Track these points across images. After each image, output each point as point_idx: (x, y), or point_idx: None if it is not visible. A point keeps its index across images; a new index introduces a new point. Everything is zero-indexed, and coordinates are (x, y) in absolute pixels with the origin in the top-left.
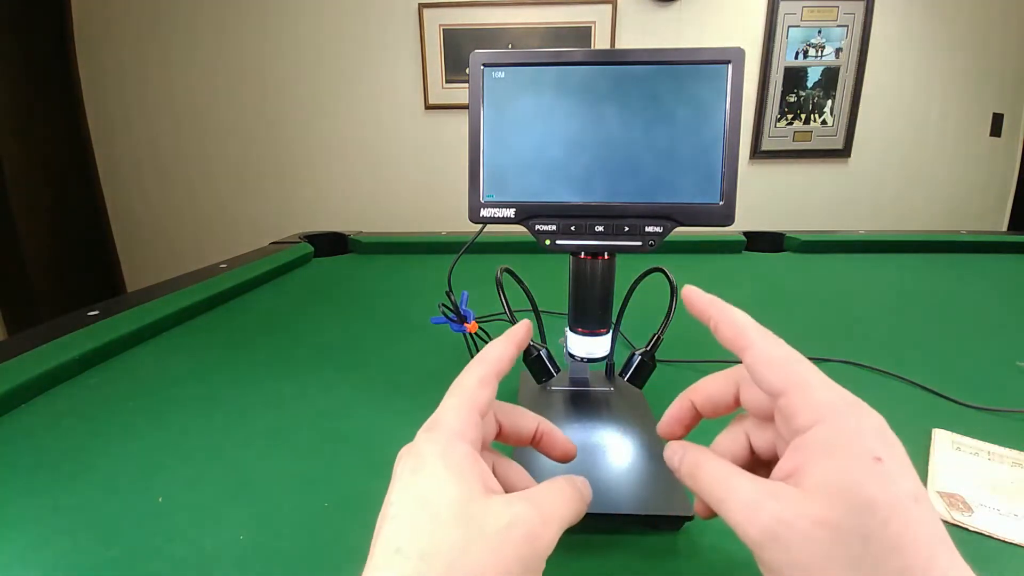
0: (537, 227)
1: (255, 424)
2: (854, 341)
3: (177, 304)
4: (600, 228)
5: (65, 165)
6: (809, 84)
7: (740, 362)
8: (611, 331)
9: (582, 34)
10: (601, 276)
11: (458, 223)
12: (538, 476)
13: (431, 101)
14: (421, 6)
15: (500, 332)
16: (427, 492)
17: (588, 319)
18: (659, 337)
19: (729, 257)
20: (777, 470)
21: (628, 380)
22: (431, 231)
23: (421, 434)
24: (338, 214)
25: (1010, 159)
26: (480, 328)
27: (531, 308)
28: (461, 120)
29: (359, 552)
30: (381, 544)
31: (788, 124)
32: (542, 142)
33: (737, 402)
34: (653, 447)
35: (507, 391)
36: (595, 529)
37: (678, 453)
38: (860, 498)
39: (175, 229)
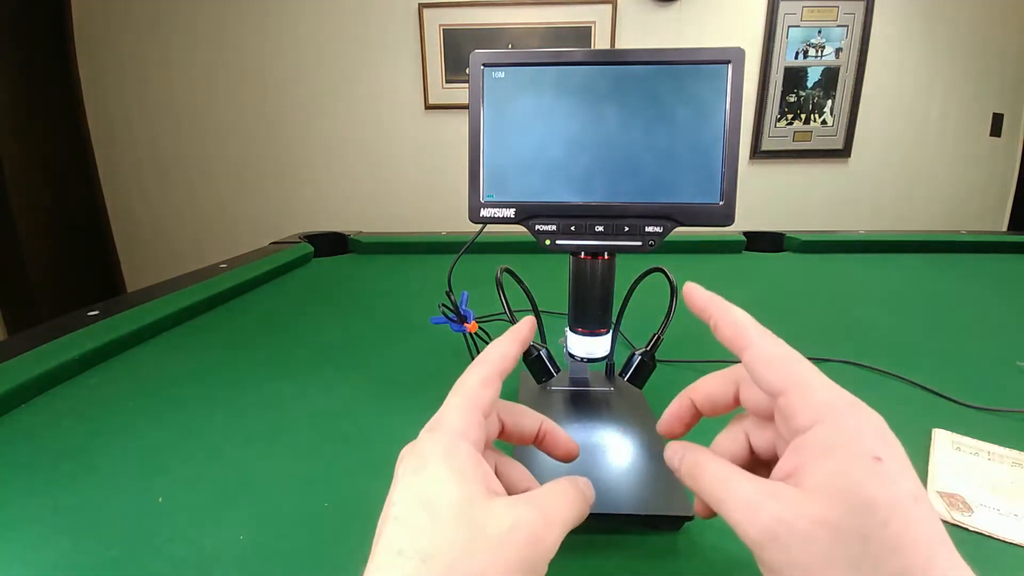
0: (537, 227)
1: (255, 424)
2: (854, 341)
3: (177, 304)
4: (600, 228)
5: (65, 165)
6: (809, 84)
7: (740, 361)
8: (611, 331)
9: (582, 34)
10: (601, 276)
11: (458, 223)
12: (539, 475)
13: (431, 101)
14: (421, 6)
15: (500, 332)
16: (429, 493)
17: (588, 319)
18: (659, 337)
19: (729, 257)
20: (777, 470)
21: (628, 380)
22: (431, 231)
23: (424, 434)
24: (338, 214)
25: (1010, 159)
26: (480, 328)
27: (531, 308)
28: (461, 120)
29: (359, 552)
30: (383, 545)
31: (788, 124)
32: (542, 142)
33: (737, 401)
34: (653, 447)
35: (507, 391)
36: (595, 529)
37: (678, 453)
38: (860, 498)
39: (175, 229)
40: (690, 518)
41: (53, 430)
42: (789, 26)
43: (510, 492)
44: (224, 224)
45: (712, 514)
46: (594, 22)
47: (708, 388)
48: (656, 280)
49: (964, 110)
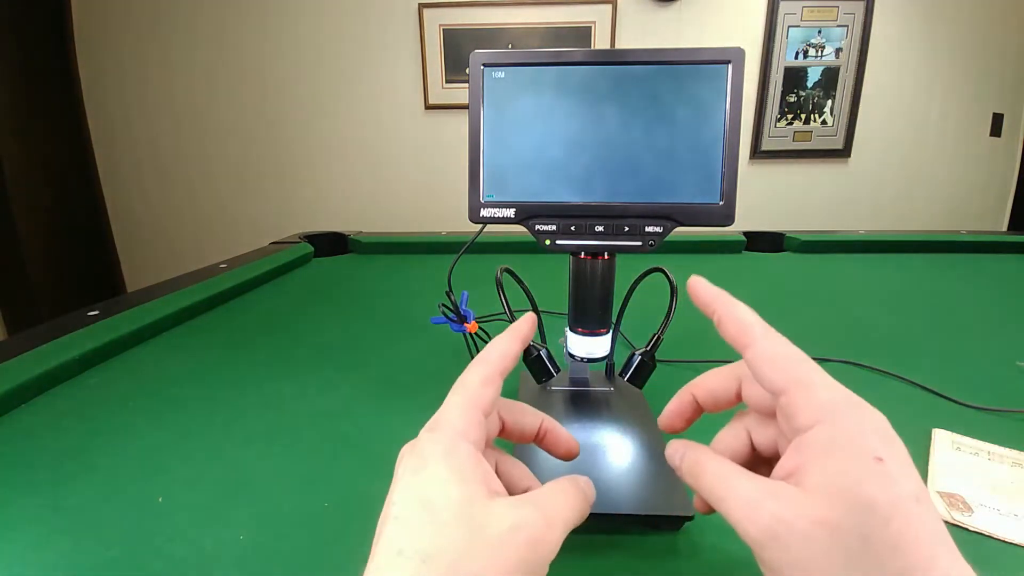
0: (537, 227)
1: (255, 424)
2: (854, 341)
3: (177, 304)
4: (600, 228)
5: (65, 165)
6: (809, 84)
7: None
8: (611, 331)
9: (582, 34)
10: (601, 276)
11: (458, 223)
12: (540, 474)
13: (431, 101)
14: (421, 6)
15: (500, 332)
16: (430, 493)
17: (588, 319)
18: (659, 337)
19: (729, 257)
20: (778, 469)
21: (628, 380)
22: (431, 231)
23: (424, 433)
24: (338, 214)
25: (1010, 159)
26: (480, 328)
27: (531, 308)
28: (461, 120)
29: (359, 552)
30: (383, 545)
31: (788, 124)
32: (542, 142)
33: (739, 397)
34: (653, 447)
35: (507, 391)
36: (595, 529)
37: (679, 452)
38: (861, 499)
39: (175, 229)
40: (690, 518)
41: (53, 430)
42: (789, 26)
43: (511, 491)
44: (224, 224)
45: (711, 510)
46: (594, 22)
47: (710, 384)
48: (656, 280)
49: (964, 110)
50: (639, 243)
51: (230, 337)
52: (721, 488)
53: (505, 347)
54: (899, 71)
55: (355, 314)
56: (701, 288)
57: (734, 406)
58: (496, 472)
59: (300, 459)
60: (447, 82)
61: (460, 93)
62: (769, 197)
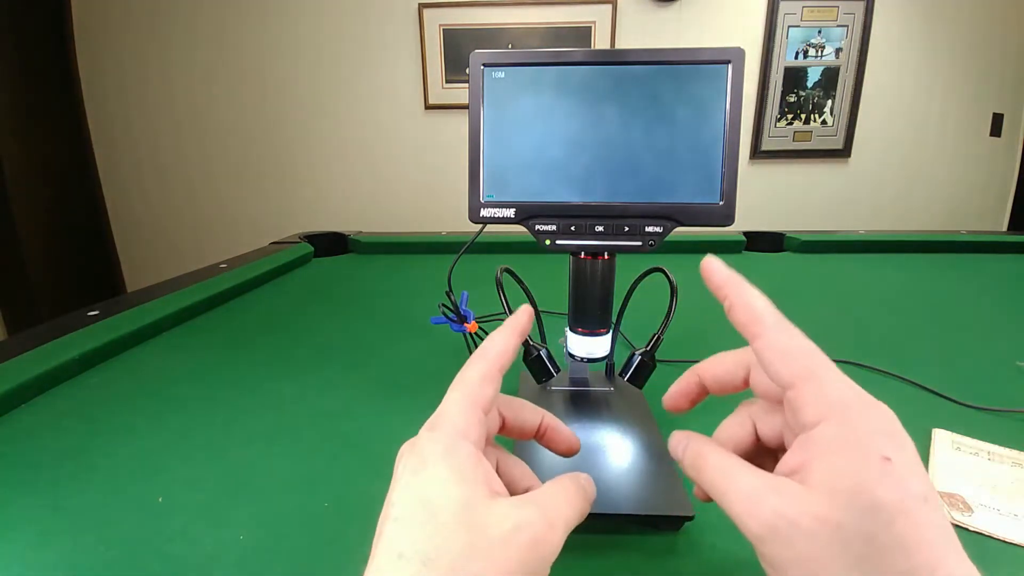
0: (537, 227)
1: (255, 424)
2: (854, 341)
3: (177, 304)
4: (600, 228)
5: (65, 165)
6: (809, 84)
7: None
8: (611, 331)
9: (582, 34)
10: (601, 276)
11: (458, 223)
12: (540, 472)
13: (431, 101)
14: (421, 6)
15: None
16: (430, 494)
17: (588, 319)
18: (659, 337)
19: (729, 257)
20: (782, 464)
21: (628, 380)
22: (431, 231)
23: (424, 432)
24: (338, 214)
25: (1010, 159)
26: (480, 328)
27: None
28: (461, 120)
29: (359, 552)
30: (383, 547)
31: (788, 124)
32: (542, 142)
33: (746, 383)
34: (653, 447)
35: (507, 390)
36: (595, 529)
37: (682, 443)
38: (866, 498)
39: (175, 229)
40: (690, 518)
41: (53, 430)
42: (789, 26)
43: (511, 489)
44: (224, 224)
45: (710, 499)
46: (594, 22)
47: (718, 368)
48: (656, 280)
49: (964, 110)
50: (639, 243)
51: (230, 337)
52: (723, 482)
53: (504, 342)
54: (899, 71)
55: (355, 314)
56: (714, 269)
57: (740, 391)
58: (497, 471)
59: (300, 459)
60: (447, 82)
61: (460, 93)
62: (769, 197)
